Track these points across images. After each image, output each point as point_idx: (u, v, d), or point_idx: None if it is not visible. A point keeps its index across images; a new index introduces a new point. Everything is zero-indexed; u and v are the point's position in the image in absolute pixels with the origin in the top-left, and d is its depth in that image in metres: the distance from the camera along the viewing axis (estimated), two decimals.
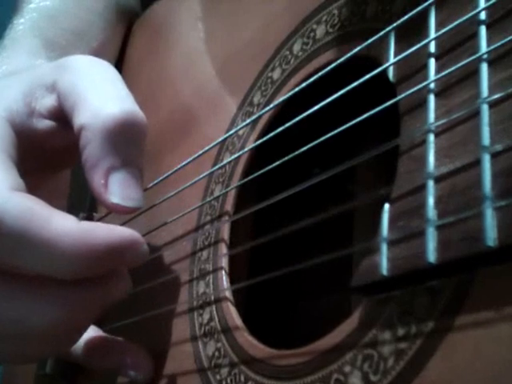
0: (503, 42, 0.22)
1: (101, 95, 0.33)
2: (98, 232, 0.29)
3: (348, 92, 0.29)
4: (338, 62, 0.31)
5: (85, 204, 0.55)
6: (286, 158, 0.31)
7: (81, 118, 0.32)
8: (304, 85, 0.33)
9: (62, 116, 0.35)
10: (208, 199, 0.40)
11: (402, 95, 0.26)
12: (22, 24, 0.53)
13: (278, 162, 0.32)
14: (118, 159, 0.32)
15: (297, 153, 0.30)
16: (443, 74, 0.24)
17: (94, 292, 0.31)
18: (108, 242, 0.29)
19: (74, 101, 0.33)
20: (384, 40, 0.29)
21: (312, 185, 0.30)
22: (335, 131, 0.29)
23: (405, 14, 0.29)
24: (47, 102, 0.35)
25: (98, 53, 0.56)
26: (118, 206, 0.32)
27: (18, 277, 0.31)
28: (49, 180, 0.41)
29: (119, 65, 0.61)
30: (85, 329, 0.34)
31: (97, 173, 0.31)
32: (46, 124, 0.35)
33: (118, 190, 0.32)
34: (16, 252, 0.29)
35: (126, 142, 0.32)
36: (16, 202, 0.29)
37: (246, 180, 0.36)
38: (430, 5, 0.27)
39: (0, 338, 0.32)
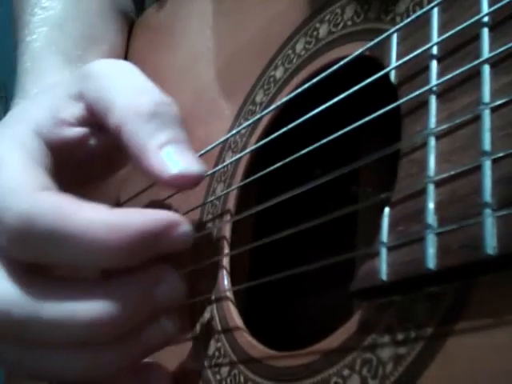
0: (507, 47, 0.22)
1: (126, 91, 0.33)
2: (132, 217, 0.29)
3: (352, 92, 0.29)
4: (342, 62, 0.31)
5: None
6: (288, 160, 0.31)
7: (116, 117, 0.32)
8: (307, 85, 0.33)
9: (92, 122, 0.35)
10: (210, 199, 0.40)
11: (403, 99, 0.26)
12: (35, 41, 0.53)
13: (279, 164, 0.32)
14: (165, 134, 0.31)
15: (297, 155, 0.30)
16: (444, 78, 0.24)
17: (135, 283, 0.30)
18: (142, 226, 0.28)
19: (104, 105, 0.33)
20: (387, 41, 0.29)
21: (315, 185, 0.30)
22: (337, 133, 0.29)
23: (408, 14, 0.29)
24: (74, 111, 0.35)
25: (110, 54, 0.56)
26: (184, 176, 0.31)
27: (54, 276, 0.31)
28: (99, 188, 0.41)
29: None
30: (137, 348, 0.32)
31: (149, 153, 0.31)
32: (77, 131, 0.35)
33: (177, 159, 0.31)
34: (50, 249, 0.29)
35: (165, 119, 0.32)
36: (43, 202, 0.29)
37: (247, 181, 0.36)
38: (433, 6, 0.26)
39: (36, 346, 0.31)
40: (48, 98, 0.36)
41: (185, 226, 0.30)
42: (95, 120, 0.34)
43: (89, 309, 0.29)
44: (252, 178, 0.35)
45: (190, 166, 0.31)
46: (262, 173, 0.33)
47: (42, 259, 0.31)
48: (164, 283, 0.31)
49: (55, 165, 0.34)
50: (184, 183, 0.31)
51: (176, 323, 0.33)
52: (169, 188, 0.32)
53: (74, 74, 0.38)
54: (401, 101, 0.26)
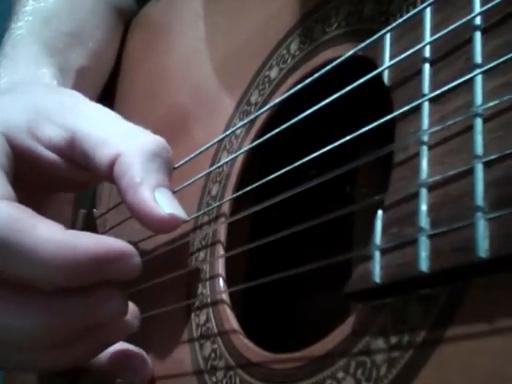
0: (503, 59, 0.22)
1: (127, 130, 0.35)
2: (83, 241, 0.29)
3: (345, 92, 0.29)
4: (335, 62, 0.30)
5: (85, 200, 0.55)
6: (284, 171, 0.31)
7: (111, 149, 0.33)
8: (301, 85, 0.32)
9: (65, 155, 0.36)
10: (206, 200, 0.40)
11: (399, 111, 0.26)
12: (19, 29, 0.53)
13: (275, 175, 0.32)
14: (161, 178, 0.33)
15: (295, 165, 0.30)
16: (439, 91, 0.24)
17: (77, 303, 0.31)
18: (91, 252, 0.29)
19: (94, 143, 0.34)
20: (380, 42, 0.29)
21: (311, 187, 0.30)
22: (334, 144, 0.29)
23: (402, 15, 0.28)
24: (54, 138, 0.35)
25: (95, 52, 0.56)
26: (173, 217, 0.32)
27: (3, 284, 0.31)
28: (54, 198, 0.41)
29: (117, 63, 0.61)
30: (85, 348, 0.33)
31: (145, 190, 0.32)
32: (48, 154, 0.36)
33: (168, 202, 0.32)
34: (1, 260, 0.29)
35: (164, 163, 0.34)
36: (3, 211, 0.30)
37: (241, 192, 0.36)
38: (425, 7, 0.26)
39: None
40: (29, 109, 0.37)
41: (135, 259, 0.31)
42: (72, 155, 0.35)
43: (26, 319, 0.30)
44: (245, 189, 0.35)
45: (177, 212, 0.33)
46: (255, 184, 0.33)
47: None
48: (109, 303, 0.32)
49: (16, 170, 0.35)
50: (169, 226, 0.33)
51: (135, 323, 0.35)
52: (145, 227, 0.33)
53: (58, 95, 0.38)
54: (396, 113, 0.26)
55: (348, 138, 0.28)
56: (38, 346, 0.31)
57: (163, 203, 0.32)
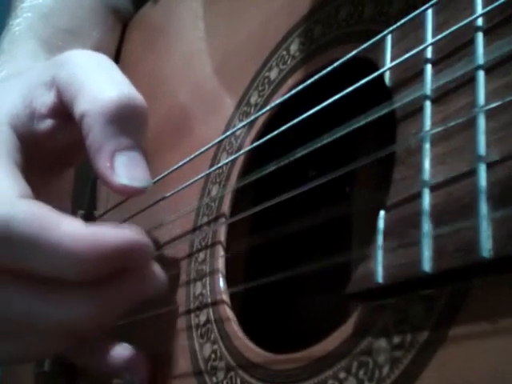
0: (502, 52, 0.22)
1: (98, 82, 0.33)
2: (106, 234, 0.30)
3: (346, 93, 0.29)
4: (336, 64, 0.30)
5: (84, 201, 0.55)
6: (283, 163, 0.31)
7: (81, 106, 0.33)
8: (301, 87, 0.32)
9: (62, 111, 0.35)
10: (205, 200, 0.40)
11: (397, 104, 0.26)
12: (17, 25, 0.53)
13: (273, 167, 0.32)
14: (122, 141, 0.32)
15: (292, 158, 0.30)
16: (440, 93, 0.24)
17: (108, 291, 0.31)
18: (116, 244, 0.30)
19: (73, 91, 0.34)
20: (381, 43, 0.29)
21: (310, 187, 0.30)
22: (332, 137, 0.29)
23: (402, 16, 0.29)
24: (47, 99, 0.35)
25: (94, 50, 0.56)
26: (126, 188, 0.32)
27: (29, 278, 0.31)
28: (55, 181, 0.41)
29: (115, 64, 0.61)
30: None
31: (102, 156, 0.32)
32: (47, 123, 0.36)
33: (124, 171, 0.32)
34: (28, 257, 0.30)
35: (127, 124, 0.32)
36: (25, 209, 0.30)
37: (240, 184, 0.36)
38: (427, 8, 0.26)
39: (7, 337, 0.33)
40: (22, 85, 0.37)
41: (149, 246, 0.31)
42: (64, 108, 0.35)
43: (55, 312, 0.31)
44: (245, 181, 0.35)
45: (135, 180, 0.32)
46: (255, 177, 0.33)
47: (17, 265, 0.31)
48: (137, 284, 0.33)
49: (23, 159, 0.35)
50: (128, 193, 0.33)
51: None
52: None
53: (48, 61, 0.38)
54: (395, 105, 0.26)
55: (346, 130, 0.28)
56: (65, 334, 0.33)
57: (119, 171, 0.32)
